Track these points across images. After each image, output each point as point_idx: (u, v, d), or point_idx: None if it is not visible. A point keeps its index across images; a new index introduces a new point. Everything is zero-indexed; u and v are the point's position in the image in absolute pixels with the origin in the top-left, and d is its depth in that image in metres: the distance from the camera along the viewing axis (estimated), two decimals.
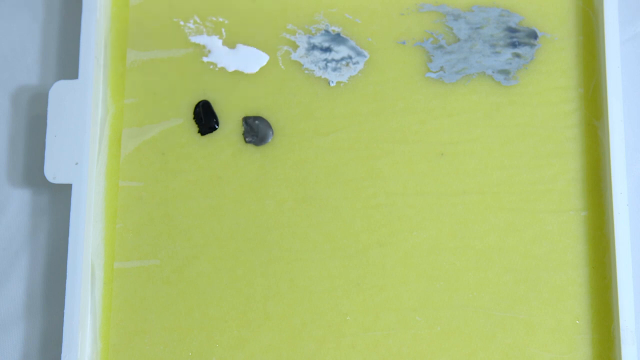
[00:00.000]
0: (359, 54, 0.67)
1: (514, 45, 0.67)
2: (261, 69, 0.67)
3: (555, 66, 0.66)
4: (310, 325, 0.63)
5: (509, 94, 0.66)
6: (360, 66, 0.67)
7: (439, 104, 0.66)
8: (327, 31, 0.68)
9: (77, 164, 0.64)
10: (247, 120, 0.66)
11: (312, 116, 0.66)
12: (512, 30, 0.67)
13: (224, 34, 0.68)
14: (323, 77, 0.67)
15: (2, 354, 0.66)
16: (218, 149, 0.66)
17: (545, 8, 0.67)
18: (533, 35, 0.67)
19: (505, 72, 0.66)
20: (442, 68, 0.67)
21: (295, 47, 0.67)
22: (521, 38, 0.67)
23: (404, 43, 0.67)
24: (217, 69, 0.67)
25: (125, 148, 0.66)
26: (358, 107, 0.66)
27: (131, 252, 0.65)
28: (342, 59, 0.67)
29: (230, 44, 0.67)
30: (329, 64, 0.67)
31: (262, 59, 0.67)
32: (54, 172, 0.64)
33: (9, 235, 0.67)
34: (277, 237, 0.64)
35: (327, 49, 0.67)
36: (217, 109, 0.66)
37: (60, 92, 0.65)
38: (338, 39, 0.67)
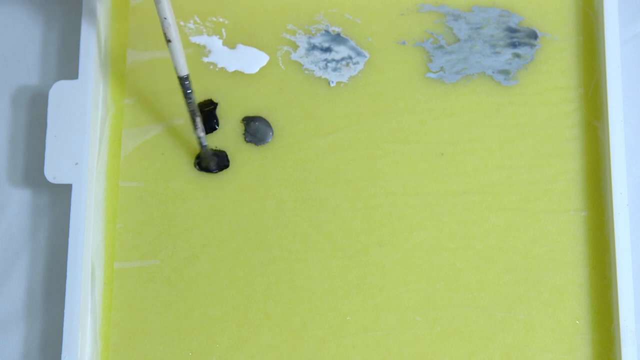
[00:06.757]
0: (359, 54, 0.67)
1: (514, 45, 0.67)
2: (261, 69, 0.67)
3: (555, 66, 0.66)
4: (310, 325, 0.63)
5: (509, 94, 0.66)
6: (360, 66, 0.67)
7: (439, 104, 0.66)
8: (327, 31, 0.68)
9: (77, 164, 0.64)
10: (246, 121, 0.66)
11: (312, 116, 0.66)
12: (512, 30, 0.67)
13: (224, 34, 0.68)
14: (323, 77, 0.67)
15: (2, 354, 0.66)
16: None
17: (545, 8, 0.67)
18: (533, 35, 0.67)
19: (505, 72, 0.66)
20: (442, 68, 0.67)
21: (295, 47, 0.67)
22: (521, 38, 0.67)
23: (404, 43, 0.67)
24: (217, 69, 0.67)
25: (125, 148, 0.66)
26: (358, 107, 0.66)
27: (131, 252, 0.65)
28: (342, 59, 0.67)
29: (230, 44, 0.67)
30: (329, 64, 0.67)
31: (262, 59, 0.67)
32: (54, 172, 0.64)
33: (9, 235, 0.67)
34: (277, 237, 0.64)
35: (327, 49, 0.67)
36: (217, 109, 0.66)
37: (60, 92, 0.65)
38: (338, 39, 0.67)
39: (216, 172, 0.65)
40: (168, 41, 0.59)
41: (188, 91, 0.62)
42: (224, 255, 0.64)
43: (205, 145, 0.64)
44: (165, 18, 0.59)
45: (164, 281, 0.64)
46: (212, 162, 0.65)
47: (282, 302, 0.64)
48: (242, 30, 0.68)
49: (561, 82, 0.66)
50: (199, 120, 0.63)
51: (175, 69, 0.61)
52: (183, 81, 0.61)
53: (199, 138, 0.64)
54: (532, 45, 0.67)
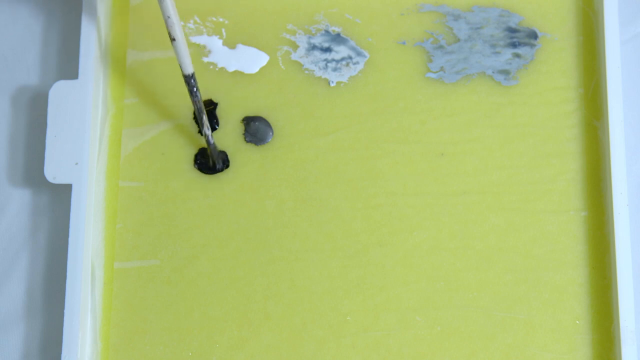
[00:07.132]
0: (359, 54, 0.67)
1: (514, 45, 0.67)
2: (261, 69, 0.67)
3: (555, 66, 0.66)
4: (310, 325, 0.63)
5: (509, 94, 0.66)
6: (360, 66, 0.67)
7: (439, 104, 0.66)
8: (327, 31, 0.68)
9: (77, 164, 0.64)
10: (246, 121, 0.66)
11: (312, 116, 0.66)
12: (512, 30, 0.67)
13: (224, 34, 0.68)
14: (323, 77, 0.67)
15: (2, 354, 0.66)
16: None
17: (545, 8, 0.67)
18: (533, 35, 0.67)
19: (505, 72, 0.66)
20: (442, 68, 0.67)
21: (295, 47, 0.67)
22: (521, 38, 0.67)
23: (404, 43, 0.67)
24: (217, 69, 0.67)
25: (125, 148, 0.66)
26: (358, 107, 0.66)
27: (131, 252, 0.65)
28: (342, 59, 0.67)
29: (230, 44, 0.67)
30: (329, 64, 0.67)
31: (262, 59, 0.67)
32: (54, 172, 0.64)
33: (9, 235, 0.67)
34: (277, 237, 0.64)
35: (327, 49, 0.67)
36: (217, 109, 0.66)
37: (60, 92, 0.65)
38: (338, 39, 0.67)
39: (217, 173, 0.65)
40: (172, 39, 0.59)
41: (194, 89, 0.61)
42: (224, 255, 0.64)
43: (213, 143, 0.64)
44: (168, 17, 0.58)
45: (164, 281, 0.64)
46: (220, 159, 0.65)
47: (282, 302, 0.64)
48: (242, 30, 0.68)
49: (561, 82, 0.66)
50: (205, 118, 0.63)
51: (181, 67, 0.61)
52: (189, 79, 0.61)
53: (206, 136, 0.63)
54: (532, 45, 0.67)
